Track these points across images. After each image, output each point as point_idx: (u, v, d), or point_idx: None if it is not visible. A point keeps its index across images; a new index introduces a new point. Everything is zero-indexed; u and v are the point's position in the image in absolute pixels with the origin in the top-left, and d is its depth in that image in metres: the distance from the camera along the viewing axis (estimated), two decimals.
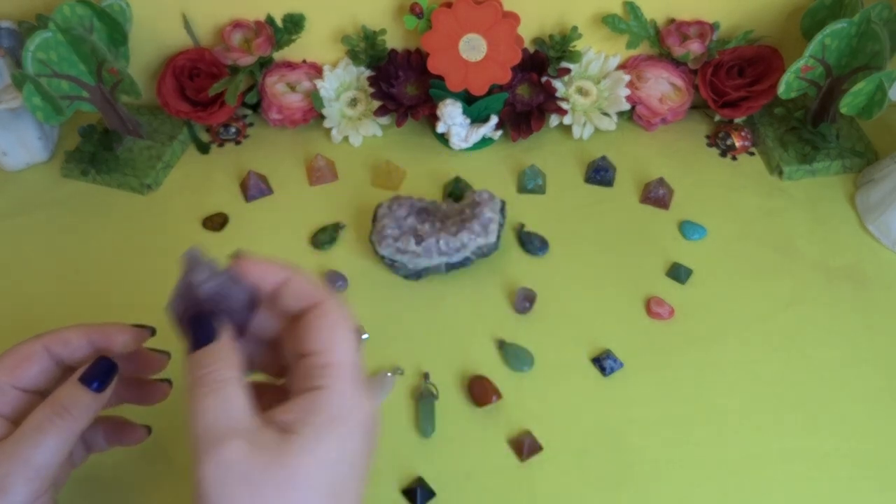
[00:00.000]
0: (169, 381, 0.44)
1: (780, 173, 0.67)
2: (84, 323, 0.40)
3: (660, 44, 0.69)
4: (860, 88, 0.59)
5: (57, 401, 0.36)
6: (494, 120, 0.67)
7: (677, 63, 0.70)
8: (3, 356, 0.38)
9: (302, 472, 0.30)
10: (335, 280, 0.58)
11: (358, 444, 0.32)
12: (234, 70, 0.67)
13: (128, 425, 0.44)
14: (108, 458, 0.45)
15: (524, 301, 0.56)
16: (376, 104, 0.69)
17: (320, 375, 0.32)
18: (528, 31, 0.67)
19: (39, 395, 0.38)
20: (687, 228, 0.62)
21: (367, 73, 0.70)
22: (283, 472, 0.30)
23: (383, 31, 0.67)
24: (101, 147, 0.66)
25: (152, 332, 0.41)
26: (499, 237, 0.57)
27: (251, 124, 0.73)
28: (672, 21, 0.68)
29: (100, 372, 0.37)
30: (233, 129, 0.71)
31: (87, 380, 0.37)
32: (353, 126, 0.70)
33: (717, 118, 0.72)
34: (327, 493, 0.31)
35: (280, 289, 0.35)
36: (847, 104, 0.61)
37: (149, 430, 0.44)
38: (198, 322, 0.34)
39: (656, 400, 0.51)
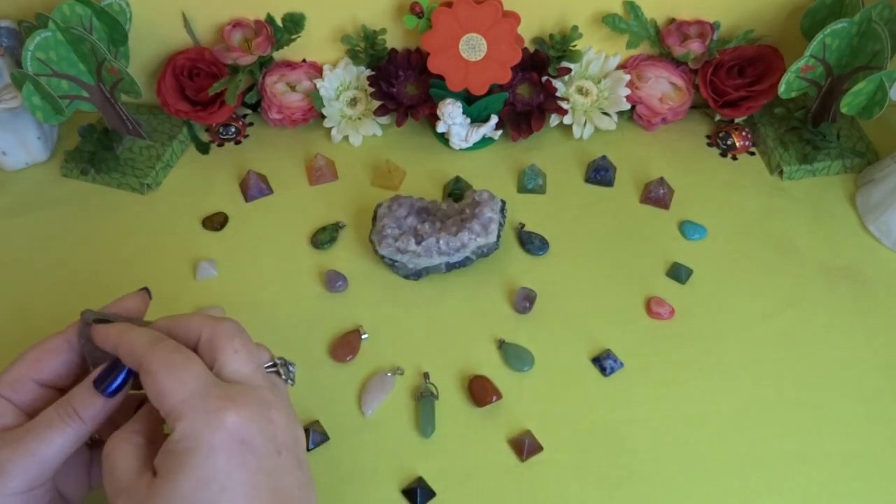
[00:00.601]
0: None
1: (781, 173, 0.67)
2: (101, 308, 0.41)
3: (660, 43, 0.69)
4: (861, 88, 0.59)
5: (69, 402, 0.37)
6: (494, 120, 0.67)
7: (677, 63, 0.69)
8: (28, 350, 0.39)
9: (172, 498, 0.32)
10: (335, 280, 0.58)
11: (221, 461, 0.33)
12: (234, 70, 0.67)
13: None
14: None
15: (524, 301, 0.56)
16: (376, 104, 0.69)
17: (168, 422, 0.35)
18: (528, 30, 0.67)
19: (59, 390, 0.39)
20: (687, 228, 0.62)
21: (367, 72, 0.70)
22: None
23: (383, 31, 0.67)
24: (101, 147, 0.66)
25: (148, 292, 0.44)
26: (499, 237, 0.57)
27: (251, 124, 0.73)
28: (672, 21, 0.68)
29: (111, 376, 0.37)
30: (233, 129, 0.71)
31: (98, 383, 0.37)
32: (353, 126, 0.70)
33: (718, 118, 0.71)
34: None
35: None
36: (847, 104, 0.61)
37: None
38: (112, 372, 0.37)
39: (656, 400, 0.51)
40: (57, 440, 0.36)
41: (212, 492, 0.33)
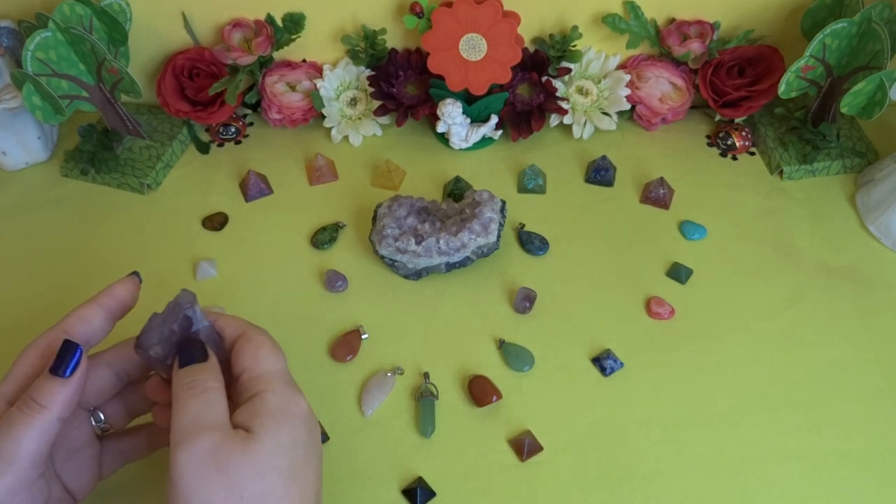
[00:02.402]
0: None
1: (781, 173, 0.67)
2: (94, 297, 0.41)
3: (660, 43, 0.69)
4: (861, 88, 0.59)
5: (27, 393, 0.37)
6: (494, 120, 0.67)
7: (677, 63, 0.69)
8: (25, 349, 0.39)
9: (263, 455, 0.34)
10: (335, 280, 0.58)
11: (303, 432, 0.37)
12: (234, 70, 0.67)
13: None
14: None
15: (524, 301, 0.56)
16: (376, 104, 0.69)
17: (253, 386, 0.37)
18: (528, 30, 0.67)
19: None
20: (687, 228, 0.62)
21: (367, 72, 0.70)
22: (247, 457, 0.34)
23: (383, 31, 0.67)
24: (101, 147, 0.66)
25: (139, 277, 0.44)
26: (499, 237, 0.57)
27: (251, 124, 0.73)
28: (672, 21, 0.68)
29: (64, 357, 0.37)
30: (233, 129, 0.71)
31: (54, 368, 0.37)
32: (353, 126, 0.70)
33: (718, 118, 0.71)
34: (287, 473, 0.35)
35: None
36: (847, 104, 0.61)
37: None
38: (190, 344, 0.38)
39: (656, 400, 0.51)
40: (24, 435, 0.35)
41: (298, 454, 0.36)
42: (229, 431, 0.35)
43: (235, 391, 0.38)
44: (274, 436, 0.35)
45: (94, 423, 0.42)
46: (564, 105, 0.69)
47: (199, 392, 0.36)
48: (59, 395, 0.36)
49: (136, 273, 0.44)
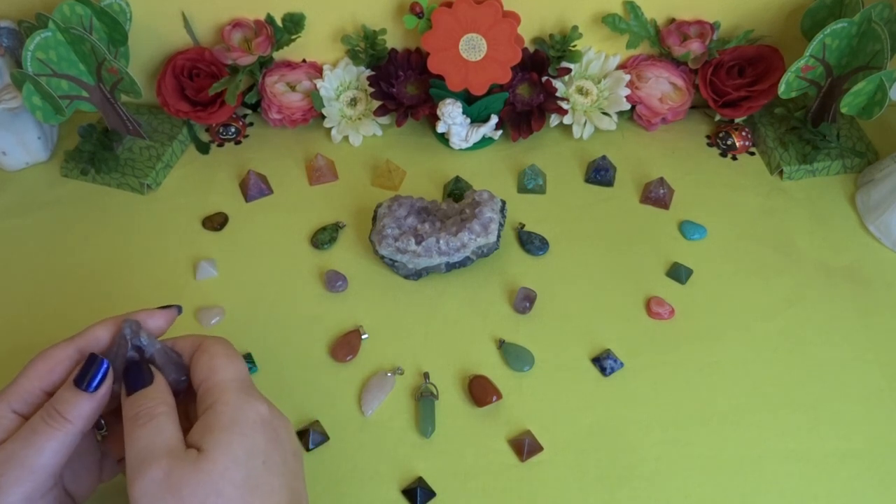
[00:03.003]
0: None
1: (781, 173, 0.67)
2: (112, 316, 0.40)
3: (660, 43, 0.69)
4: (860, 88, 0.59)
5: (52, 404, 0.36)
6: (494, 120, 0.67)
7: (677, 63, 0.69)
8: (33, 360, 0.39)
9: (216, 472, 0.34)
10: (335, 280, 0.58)
11: (260, 439, 0.36)
12: (234, 70, 0.67)
13: None
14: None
15: (524, 301, 0.56)
16: (376, 104, 0.69)
17: (208, 396, 0.37)
18: (528, 30, 0.67)
19: None
20: (687, 228, 0.62)
21: (367, 72, 0.70)
22: (200, 477, 0.34)
23: (383, 31, 0.67)
24: (101, 147, 0.66)
25: (179, 310, 0.42)
26: (499, 237, 0.57)
27: (251, 124, 0.73)
28: (672, 21, 0.68)
29: (90, 371, 0.37)
30: (233, 129, 0.71)
31: (79, 381, 0.37)
32: (353, 126, 0.70)
33: (718, 118, 0.71)
34: (245, 485, 0.34)
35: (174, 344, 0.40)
36: (847, 104, 0.61)
37: None
38: (135, 369, 0.38)
39: (656, 400, 0.51)
40: (46, 446, 0.35)
41: (257, 463, 0.35)
42: (180, 455, 0.34)
43: (196, 403, 0.38)
44: (226, 450, 0.35)
45: (96, 429, 0.42)
46: (564, 105, 0.69)
47: (147, 421, 0.36)
48: (83, 409, 0.36)
49: (178, 307, 0.43)
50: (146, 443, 0.35)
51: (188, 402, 0.39)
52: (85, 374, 0.37)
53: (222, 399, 0.37)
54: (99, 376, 0.37)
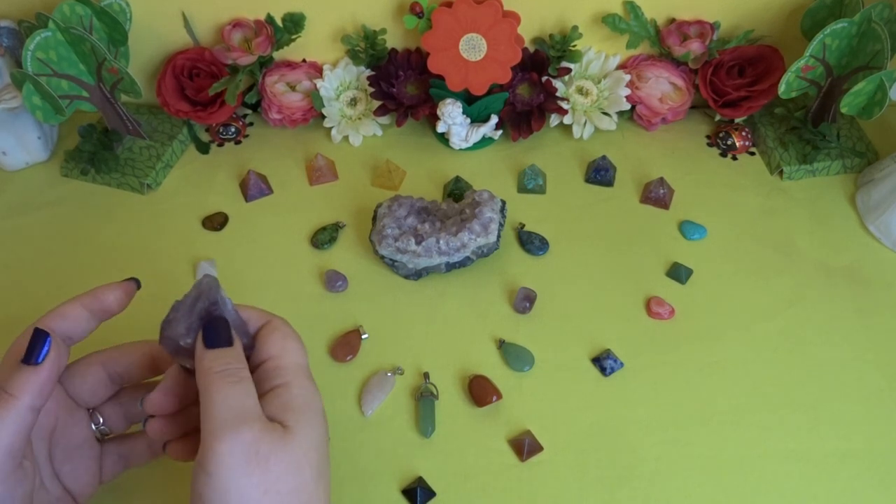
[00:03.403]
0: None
1: (781, 173, 0.67)
2: (76, 295, 0.40)
3: (660, 43, 0.69)
4: (860, 88, 0.59)
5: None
6: (494, 120, 0.67)
7: (677, 63, 0.69)
8: (11, 346, 0.38)
9: (300, 451, 0.34)
10: (335, 280, 0.58)
11: (324, 428, 0.37)
12: (234, 70, 0.67)
13: None
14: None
15: (524, 301, 0.56)
16: (376, 104, 0.69)
17: (278, 375, 0.37)
18: (528, 30, 0.67)
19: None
20: (687, 228, 0.62)
21: (367, 72, 0.70)
22: (286, 451, 0.34)
23: (383, 31, 0.67)
24: (101, 147, 0.66)
25: (138, 284, 0.42)
26: (499, 237, 0.57)
27: (251, 124, 0.73)
28: (672, 21, 0.68)
29: (34, 345, 0.37)
30: (233, 129, 0.71)
31: (25, 357, 0.36)
32: (353, 126, 0.70)
33: (718, 118, 0.71)
34: (317, 469, 0.35)
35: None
36: (847, 104, 0.61)
37: None
38: (218, 324, 0.36)
39: (656, 400, 0.51)
40: None
41: (323, 451, 0.36)
42: (267, 424, 0.34)
43: (256, 378, 0.37)
44: (308, 431, 0.35)
45: (93, 426, 0.42)
46: (564, 105, 0.69)
47: (236, 381, 0.35)
48: (28, 384, 0.36)
49: (134, 279, 0.43)
50: (237, 403, 0.34)
51: None
52: (31, 350, 0.37)
53: (297, 382, 0.37)
54: (43, 350, 0.37)
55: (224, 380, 0.35)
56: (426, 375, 0.52)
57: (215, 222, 0.63)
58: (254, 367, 0.38)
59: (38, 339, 0.37)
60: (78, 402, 0.41)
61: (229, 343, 0.36)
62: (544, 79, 0.68)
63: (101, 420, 0.42)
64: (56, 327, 0.39)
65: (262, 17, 0.66)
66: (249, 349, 0.38)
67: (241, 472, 0.32)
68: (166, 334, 0.37)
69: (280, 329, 0.39)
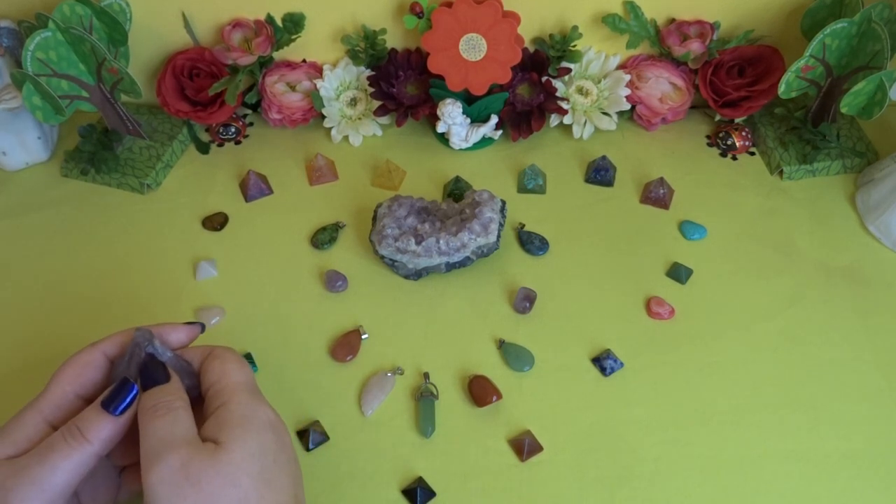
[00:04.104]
0: None
1: (781, 173, 0.67)
2: (135, 326, 0.40)
3: (660, 43, 0.69)
4: (860, 88, 0.59)
5: (75, 423, 0.36)
6: (494, 120, 0.67)
7: (677, 63, 0.69)
8: (62, 367, 0.39)
9: (234, 464, 0.35)
10: (335, 280, 0.58)
11: (270, 438, 0.37)
12: (234, 70, 0.67)
13: None
14: None
15: (524, 301, 0.56)
16: (376, 104, 0.69)
17: (220, 396, 0.38)
18: (528, 30, 0.67)
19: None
20: (687, 228, 0.62)
21: (367, 72, 0.70)
22: (218, 467, 0.34)
23: (383, 31, 0.67)
24: (101, 147, 0.66)
25: (202, 328, 0.43)
26: (499, 237, 0.57)
27: (251, 124, 0.73)
28: (672, 21, 0.68)
29: (120, 395, 0.37)
30: (233, 129, 0.71)
31: (106, 403, 0.37)
32: (353, 126, 0.70)
33: (718, 118, 0.71)
34: (260, 478, 0.35)
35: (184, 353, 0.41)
36: (847, 104, 0.61)
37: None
38: (149, 366, 0.38)
39: (656, 400, 0.51)
40: (61, 465, 0.35)
41: (268, 460, 0.36)
42: (198, 445, 0.35)
43: (203, 407, 0.39)
44: (242, 444, 0.35)
45: None
46: (564, 105, 0.69)
47: (165, 413, 0.36)
48: (105, 432, 0.36)
49: (202, 325, 0.43)
50: (164, 433, 0.35)
51: (196, 410, 0.39)
52: (114, 398, 0.37)
53: (234, 399, 0.38)
54: (127, 401, 0.37)
55: (153, 414, 0.36)
56: (426, 375, 0.52)
57: (215, 222, 0.63)
58: (203, 398, 0.39)
59: (124, 388, 0.37)
60: None
61: (166, 380, 0.38)
62: (544, 79, 0.68)
63: None
64: (112, 354, 0.40)
65: (262, 17, 0.66)
66: (194, 389, 0.40)
67: (175, 496, 0.33)
68: (118, 375, 0.38)
69: (219, 356, 0.40)
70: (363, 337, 0.54)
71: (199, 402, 0.39)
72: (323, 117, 0.70)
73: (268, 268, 0.60)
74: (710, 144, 0.71)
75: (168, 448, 0.34)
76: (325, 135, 0.71)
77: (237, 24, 0.66)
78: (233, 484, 0.34)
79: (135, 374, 0.38)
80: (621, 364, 0.53)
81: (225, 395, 0.38)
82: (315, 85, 0.69)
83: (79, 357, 0.39)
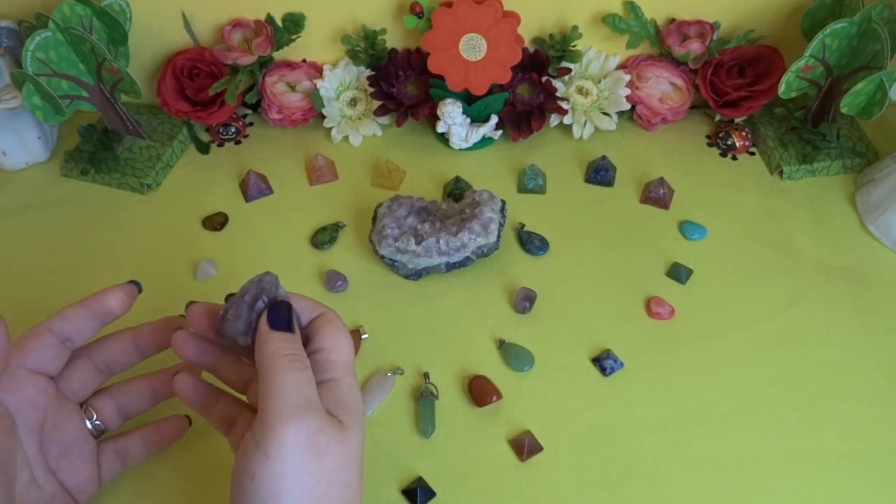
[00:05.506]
0: (188, 418, 0.46)
1: (781, 173, 0.67)
2: (80, 300, 0.41)
3: (660, 43, 0.69)
4: (860, 88, 0.59)
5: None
6: (494, 120, 0.67)
7: (677, 63, 0.69)
8: (15, 343, 0.39)
9: (352, 449, 0.35)
10: (335, 280, 0.58)
11: (364, 433, 0.37)
12: (234, 70, 0.67)
13: (167, 421, 0.45)
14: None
15: (524, 301, 0.56)
16: (376, 104, 0.69)
17: (329, 369, 0.37)
18: (528, 30, 0.67)
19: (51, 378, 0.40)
20: (687, 228, 0.62)
21: (367, 72, 0.70)
22: (341, 448, 0.34)
23: (383, 31, 0.67)
24: (101, 147, 0.66)
25: (139, 287, 0.43)
26: (499, 237, 0.57)
27: (251, 124, 0.73)
28: (672, 21, 0.68)
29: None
30: (233, 129, 0.71)
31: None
32: (353, 126, 0.70)
33: (718, 118, 0.71)
34: (361, 471, 0.36)
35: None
36: (847, 104, 0.61)
37: (189, 420, 0.46)
38: (284, 308, 0.37)
39: (656, 400, 0.51)
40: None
41: (363, 451, 0.37)
42: (328, 417, 0.35)
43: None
44: (359, 430, 0.36)
45: (87, 422, 0.42)
46: (564, 105, 0.69)
47: (302, 367, 0.35)
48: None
49: (135, 282, 0.43)
50: (304, 390, 0.34)
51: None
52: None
53: (347, 379, 0.37)
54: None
55: (292, 364, 0.35)
56: (426, 375, 0.52)
57: (215, 222, 0.63)
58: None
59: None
60: (68, 396, 0.41)
61: (290, 330, 0.37)
62: (544, 79, 0.68)
63: (95, 416, 0.42)
64: (57, 329, 0.40)
65: (262, 17, 0.66)
66: (303, 341, 0.38)
67: (300, 459, 0.33)
68: (224, 332, 0.36)
69: (334, 322, 0.39)
70: (363, 337, 0.54)
71: None
72: (323, 117, 0.70)
73: (268, 268, 0.59)
74: (710, 144, 0.71)
75: (308, 409, 0.34)
76: (325, 135, 0.71)
77: (237, 24, 0.66)
78: (348, 467, 0.35)
79: (256, 317, 0.36)
80: (621, 364, 0.53)
81: (338, 370, 0.37)
82: (315, 85, 0.69)
83: (26, 333, 0.40)
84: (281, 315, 0.37)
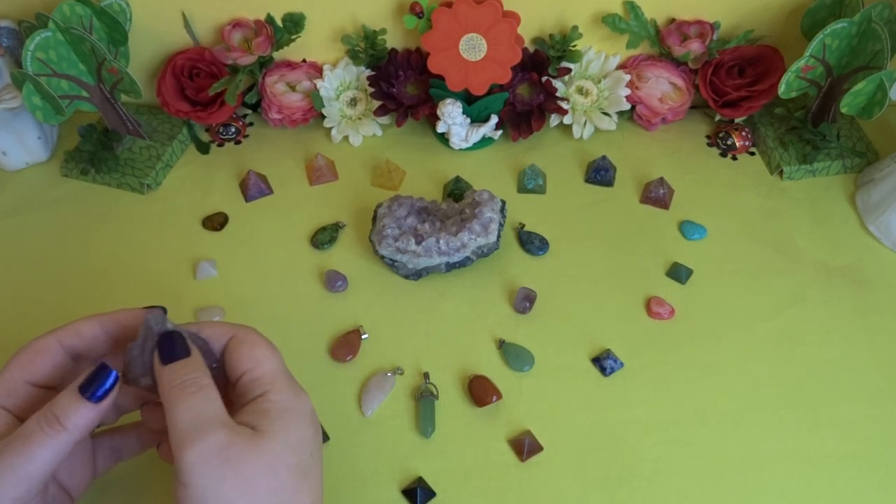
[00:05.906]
0: None
1: (781, 173, 0.67)
2: (97, 313, 0.40)
3: (660, 43, 0.69)
4: (860, 88, 0.59)
5: (51, 410, 0.35)
6: (494, 120, 0.67)
7: (677, 63, 0.69)
8: (18, 352, 0.38)
9: (274, 453, 0.34)
10: (335, 280, 0.58)
11: (309, 431, 0.37)
12: (234, 70, 0.67)
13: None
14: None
15: (524, 301, 0.56)
16: (376, 104, 0.69)
17: (256, 387, 0.37)
18: (528, 30, 0.67)
19: (54, 390, 0.38)
20: (687, 228, 0.62)
21: (367, 72, 0.70)
22: (258, 454, 0.34)
23: (383, 31, 0.67)
24: (101, 147, 0.66)
25: (163, 311, 0.41)
26: (499, 237, 0.57)
27: (251, 124, 0.73)
28: (672, 21, 0.68)
29: (98, 381, 0.36)
30: (233, 129, 0.71)
31: (84, 389, 0.35)
32: (353, 126, 0.70)
33: (718, 118, 0.71)
34: (297, 471, 0.35)
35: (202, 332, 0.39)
36: (847, 104, 0.61)
37: None
38: (171, 339, 0.37)
39: (656, 400, 0.51)
40: (38, 454, 0.34)
41: (306, 452, 0.36)
42: (236, 428, 0.34)
43: (234, 394, 0.38)
44: (283, 434, 0.35)
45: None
46: (564, 105, 0.69)
47: (196, 390, 0.35)
48: (83, 419, 0.35)
49: (161, 307, 0.41)
50: (198, 411, 0.34)
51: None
52: (91, 383, 0.35)
53: (275, 388, 0.37)
54: (105, 387, 0.36)
55: (184, 391, 0.35)
56: (426, 375, 0.52)
57: (215, 222, 0.63)
58: (229, 384, 0.38)
59: (103, 374, 0.36)
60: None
61: (186, 354, 0.36)
62: (544, 79, 0.68)
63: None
64: (69, 344, 0.39)
65: (262, 17, 0.66)
66: (219, 369, 0.38)
67: (215, 476, 0.33)
68: (129, 379, 0.37)
69: (246, 341, 0.38)
70: (363, 337, 0.55)
71: (220, 382, 0.38)
72: (323, 117, 0.70)
73: (268, 268, 0.60)
74: (710, 144, 0.71)
75: (206, 427, 0.33)
76: (325, 135, 0.71)
77: (237, 24, 0.66)
78: (272, 472, 0.34)
79: (149, 357, 0.37)
80: (621, 364, 0.53)
81: (264, 384, 0.37)
82: (315, 85, 0.69)
83: (33, 344, 0.38)
84: (170, 347, 0.36)
